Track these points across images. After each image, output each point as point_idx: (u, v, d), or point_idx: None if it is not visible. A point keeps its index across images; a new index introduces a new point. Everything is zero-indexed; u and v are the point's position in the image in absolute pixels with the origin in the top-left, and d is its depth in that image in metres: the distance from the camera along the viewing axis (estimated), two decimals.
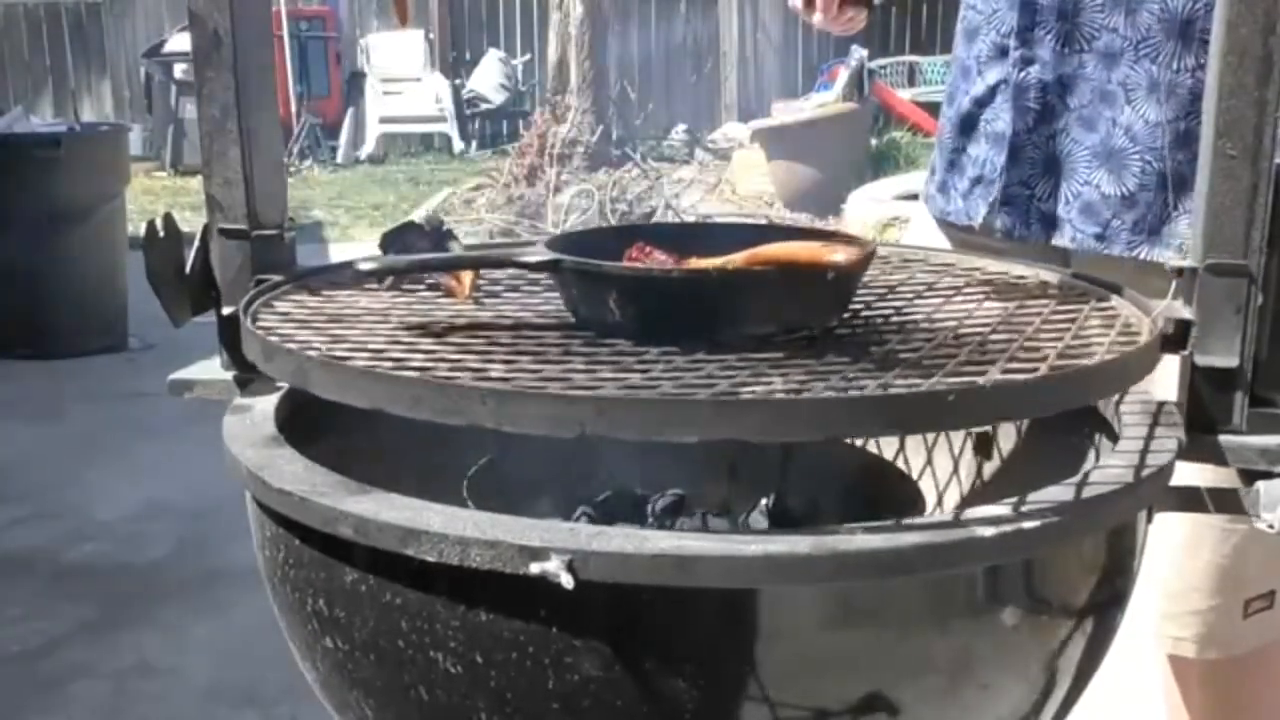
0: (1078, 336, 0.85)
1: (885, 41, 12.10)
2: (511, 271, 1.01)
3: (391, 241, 1.06)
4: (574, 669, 0.69)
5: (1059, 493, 0.73)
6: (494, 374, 0.76)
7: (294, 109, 10.34)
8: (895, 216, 6.44)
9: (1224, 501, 0.87)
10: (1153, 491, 0.78)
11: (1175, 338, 0.84)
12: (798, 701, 0.72)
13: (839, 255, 0.83)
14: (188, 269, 0.96)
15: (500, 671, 0.71)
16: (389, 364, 0.78)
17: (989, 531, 0.67)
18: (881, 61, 10.89)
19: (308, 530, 0.76)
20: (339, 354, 0.80)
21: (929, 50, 12.67)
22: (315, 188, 8.56)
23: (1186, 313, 0.85)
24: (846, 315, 0.91)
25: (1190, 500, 0.88)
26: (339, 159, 10.56)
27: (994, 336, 0.85)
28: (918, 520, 0.70)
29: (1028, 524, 0.69)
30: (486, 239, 7.50)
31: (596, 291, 0.86)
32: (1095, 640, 0.82)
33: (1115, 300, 0.95)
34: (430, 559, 0.68)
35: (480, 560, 0.67)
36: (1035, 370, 0.75)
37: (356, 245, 7.33)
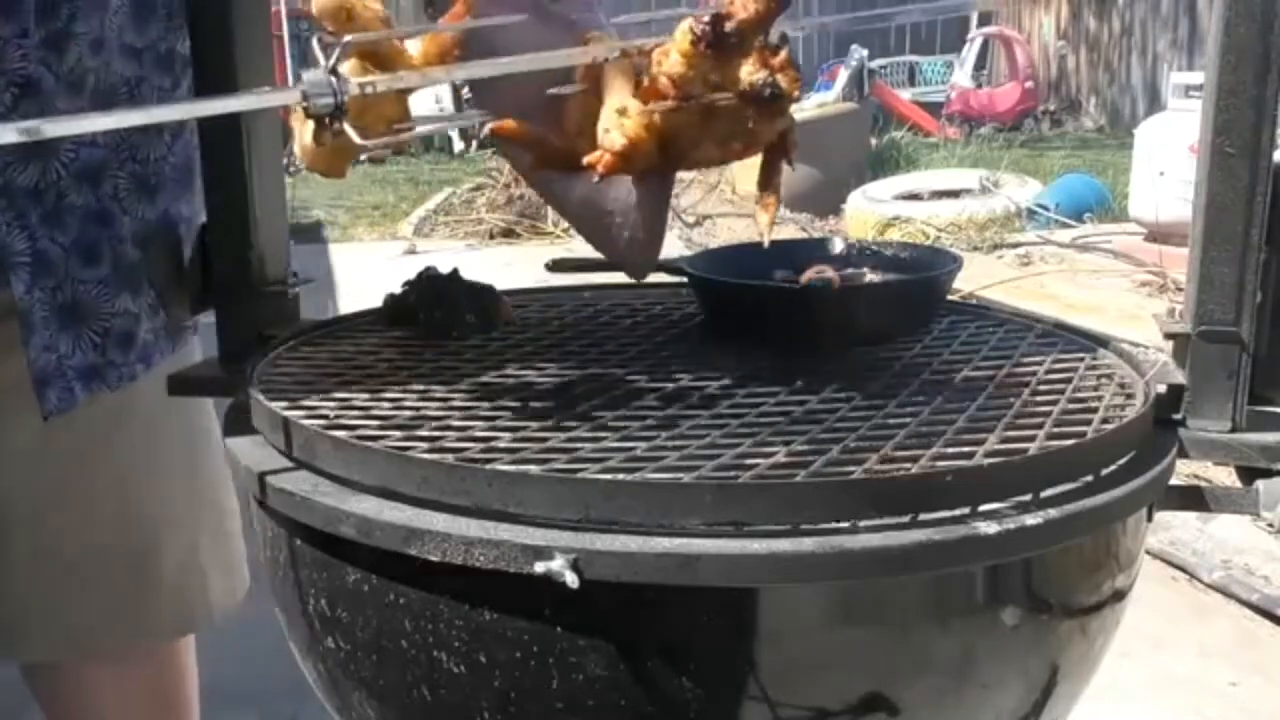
0: (1073, 399, 0.86)
1: (885, 41, 12.09)
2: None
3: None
4: (578, 668, 0.69)
5: (1062, 490, 0.73)
6: (501, 444, 0.77)
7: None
8: (895, 216, 6.43)
9: (1224, 500, 0.87)
10: (1153, 490, 0.78)
11: (1168, 401, 0.85)
12: (801, 700, 0.72)
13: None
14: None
15: (504, 671, 0.71)
16: (398, 432, 0.78)
17: (991, 529, 0.68)
18: (881, 61, 10.89)
19: (309, 530, 0.77)
20: (347, 422, 0.81)
21: (929, 50, 12.67)
22: (315, 188, 8.55)
23: (1180, 377, 0.85)
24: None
25: (1190, 499, 0.88)
26: None
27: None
28: (921, 518, 0.70)
29: (1030, 521, 0.69)
30: (487, 239, 7.51)
31: None
32: (1096, 639, 0.82)
33: (1109, 356, 0.97)
34: (434, 558, 0.69)
35: (484, 559, 0.67)
36: (1032, 439, 0.76)
37: (357, 245, 7.34)
